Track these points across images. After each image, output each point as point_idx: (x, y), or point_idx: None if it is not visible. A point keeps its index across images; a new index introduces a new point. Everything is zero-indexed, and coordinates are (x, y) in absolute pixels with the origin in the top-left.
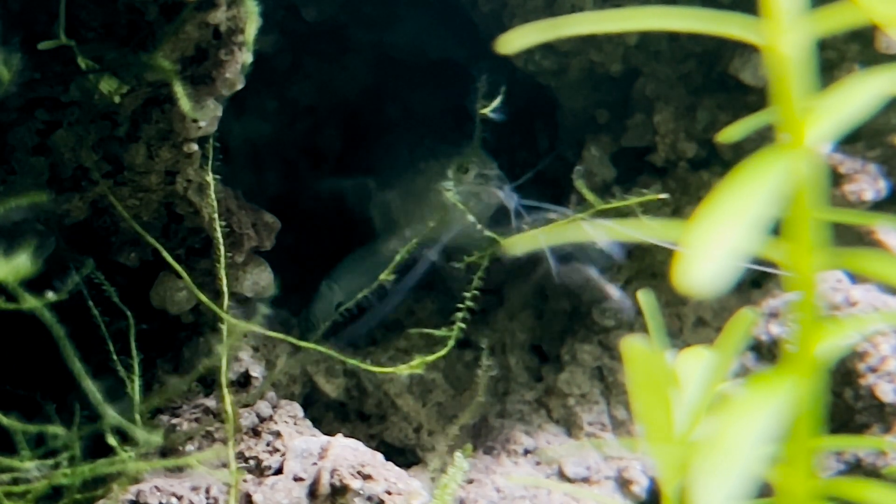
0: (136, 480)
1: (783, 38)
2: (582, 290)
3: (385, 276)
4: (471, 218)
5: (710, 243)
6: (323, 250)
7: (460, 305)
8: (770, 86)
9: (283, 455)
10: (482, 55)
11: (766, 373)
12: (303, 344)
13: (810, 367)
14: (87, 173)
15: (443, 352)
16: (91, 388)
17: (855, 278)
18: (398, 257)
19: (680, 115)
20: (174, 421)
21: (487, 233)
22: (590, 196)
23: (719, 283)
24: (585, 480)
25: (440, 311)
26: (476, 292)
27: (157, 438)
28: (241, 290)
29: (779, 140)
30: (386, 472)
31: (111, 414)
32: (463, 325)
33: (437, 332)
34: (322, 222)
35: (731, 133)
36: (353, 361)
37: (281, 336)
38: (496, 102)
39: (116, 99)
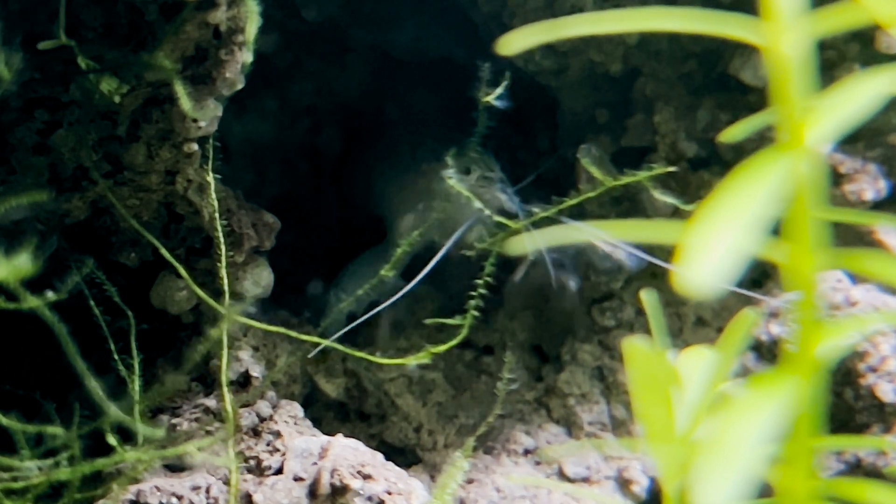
0: (135, 480)
1: (783, 38)
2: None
3: (386, 271)
4: (478, 204)
5: (710, 244)
6: (324, 249)
7: (472, 294)
8: (770, 86)
9: (284, 455)
10: (482, 55)
11: (767, 373)
12: (306, 338)
13: (811, 368)
14: (87, 173)
15: (455, 341)
16: (94, 385)
17: (855, 278)
18: (399, 251)
19: (680, 115)
20: (174, 421)
21: (497, 218)
22: (597, 173)
23: (719, 283)
24: (585, 480)
25: (440, 310)
26: (490, 279)
27: (159, 432)
28: (241, 289)
29: (779, 140)
30: (386, 472)
31: (114, 411)
32: (476, 313)
33: (451, 322)
34: (324, 222)
35: (732, 133)
36: (360, 354)
37: (283, 330)
38: (499, 90)
39: (116, 99)
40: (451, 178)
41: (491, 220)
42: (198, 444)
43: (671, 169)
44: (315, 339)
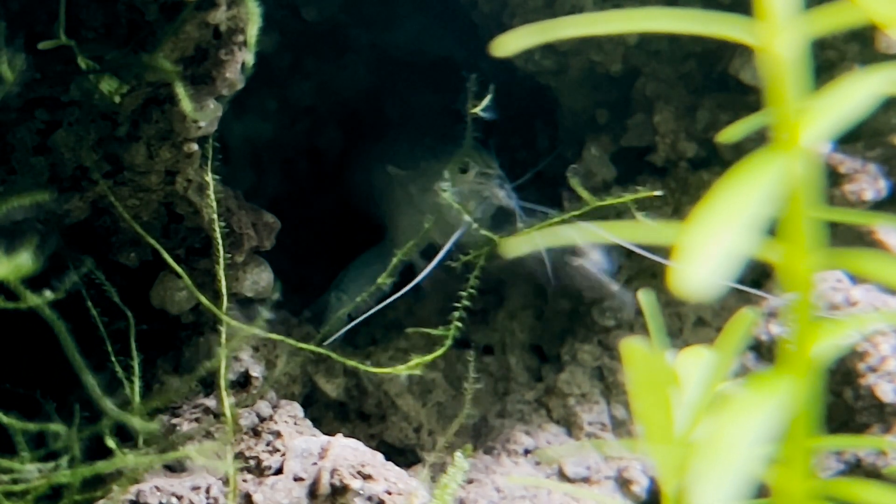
0: (135, 480)
1: (777, 38)
2: (583, 289)
3: (383, 279)
4: (467, 218)
5: (706, 246)
6: (324, 249)
7: (457, 305)
8: (766, 86)
9: (284, 455)
10: (482, 55)
11: (763, 374)
12: (304, 346)
13: (807, 368)
14: (87, 173)
15: (440, 352)
16: (91, 381)
17: (855, 278)
18: (395, 260)
19: (680, 115)
20: (174, 421)
21: (484, 232)
22: (584, 194)
23: (715, 286)
24: (585, 480)
25: (440, 310)
26: (473, 291)
27: (154, 426)
28: (241, 290)
29: (774, 141)
30: (386, 472)
31: (110, 407)
32: (460, 325)
33: (434, 332)
34: (324, 223)
35: (730, 133)
36: (352, 363)
37: (281, 338)
38: (486, 101)
39: (116, 99)
40: (445, 192)
41: (477, 229)
42: (198, 448)
43: (657, 193)
44: (313, 348)
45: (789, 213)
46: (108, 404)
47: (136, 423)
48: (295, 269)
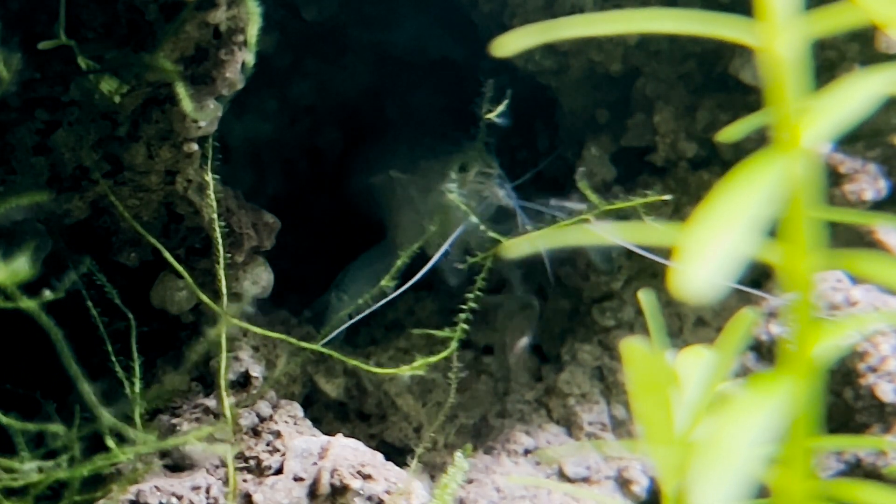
0: (135, 481)
1: (777, 39)
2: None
3: (386, 281)
4: (474, 219)
5: (706, 248)
6: (324, 249)
7: (462, 307)
8: (766, 86)
9: (283, 455)
10: (482, 55)
11: (764, 374)
12: (305, 346)
13: (808, 368)
14: (87, 173)
15: (445, 353)
16: (87, 390)
17: (855, 278)
18: (399, 262)
19: (680, 115)
20: (174, 421)
21: (491, 234)
22: (593, 197)
23: (716, 287)
24: (585, 480)
25: (440, 310)
26: (479, 293)
27: (151, 437)
28: (241, 289)
29: (775, 141)
30: (386, 472)
31: (107, 417)
32: (466, 327)
33: (438, 333)
34: (325, 223)
35: (730, 133)
36: (354, 362)
37: (282, 337)
38: (502, 107)
39: (116, 99)
40: (452, 193)
41: (485, 230)
42: (197, 434)
43: (666, 197)
44: (314, 346)
45: (789, 213)
46: (105, 413)
47: (132, 433)
48: (295, 269)
